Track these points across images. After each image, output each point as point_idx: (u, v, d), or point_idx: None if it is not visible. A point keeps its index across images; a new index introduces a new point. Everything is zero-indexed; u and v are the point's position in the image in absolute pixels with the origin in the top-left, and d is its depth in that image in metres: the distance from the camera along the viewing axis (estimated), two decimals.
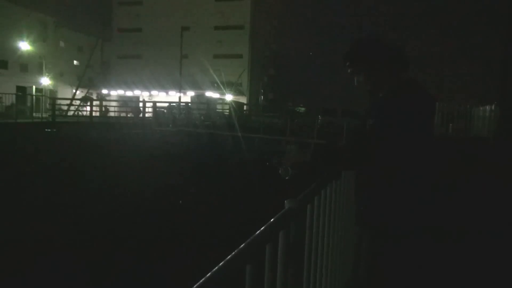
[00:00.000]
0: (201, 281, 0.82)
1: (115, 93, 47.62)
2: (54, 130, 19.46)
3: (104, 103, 30.51)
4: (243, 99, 44.51)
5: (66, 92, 40.48)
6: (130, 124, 22.87)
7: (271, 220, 1.23)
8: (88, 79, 40.02)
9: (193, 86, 43.34)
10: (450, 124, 16.91)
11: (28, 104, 24.20)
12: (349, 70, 1.73)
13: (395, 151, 1.55)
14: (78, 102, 28.25)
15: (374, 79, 1.67)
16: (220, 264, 0.90)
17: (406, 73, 1.67)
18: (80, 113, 25.81)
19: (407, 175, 1.58)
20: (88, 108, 24.73)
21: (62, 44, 45.66)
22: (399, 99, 1.58)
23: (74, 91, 32.70)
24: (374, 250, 1.64)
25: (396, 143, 1.53)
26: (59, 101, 27.20)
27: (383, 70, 1.65)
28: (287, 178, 1.69)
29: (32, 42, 37.36)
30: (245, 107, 35.86)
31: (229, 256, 0.94)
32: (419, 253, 1.62)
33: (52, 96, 32.61)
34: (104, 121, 23.72)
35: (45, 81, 38.52)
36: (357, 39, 1.72)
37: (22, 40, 36.40)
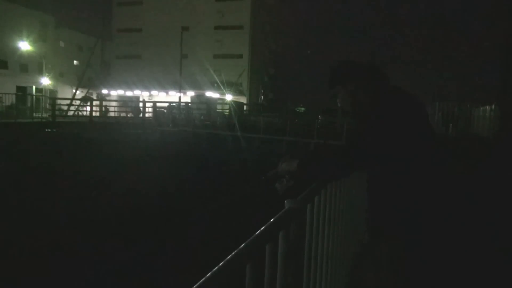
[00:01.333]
0: (201, 281, 0.82)
1: (115, 93, 47.61)
2: (54, 130, 19.47)
3: (104, 103, 30.50)
4: (243, 99, 44.51)
5: (66, 92, 40.51)
6: (130, 124, 22.87)
7: (271, 220, 1.23)
8: (88, 79, 40.03)
9: (193, 86, 43.33)
10: (450, 124, 16.95)
11: (28, 104, 24.22)
12: (332, 92, 1.88)
13: (386, 161, 1.62)
14: (78, 102, 28.22)
15: (352, 99, 1.80)
16: (220, 264, 0.90)
17: (385, 84, 1.77)
18: (80, 113, 25.80)
19: (405, 180, 1.61)
20: (88, 108, 24.75)
21: (62, 44, 45.75)
22: (373, 113, 1.67)
23: (74, 91, 32.67)
24: (392, 259, 1.69)
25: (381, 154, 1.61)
26: (59, 101, 27.21)
27: (362, 89, 1.77)
28: (283, 191, 1.74)
29: (32, 42, 37.40)
30: (245, 107, 35.87)
31: (229, 256, 0.94)
32: (432, 257, 1.65)
33: (52, 96, 32.63)
34: (104, 121, 23.72)
35: (45, 81, 38.54)
36: (332, 67, 1.87)
37: (22, 40, 36.42)
